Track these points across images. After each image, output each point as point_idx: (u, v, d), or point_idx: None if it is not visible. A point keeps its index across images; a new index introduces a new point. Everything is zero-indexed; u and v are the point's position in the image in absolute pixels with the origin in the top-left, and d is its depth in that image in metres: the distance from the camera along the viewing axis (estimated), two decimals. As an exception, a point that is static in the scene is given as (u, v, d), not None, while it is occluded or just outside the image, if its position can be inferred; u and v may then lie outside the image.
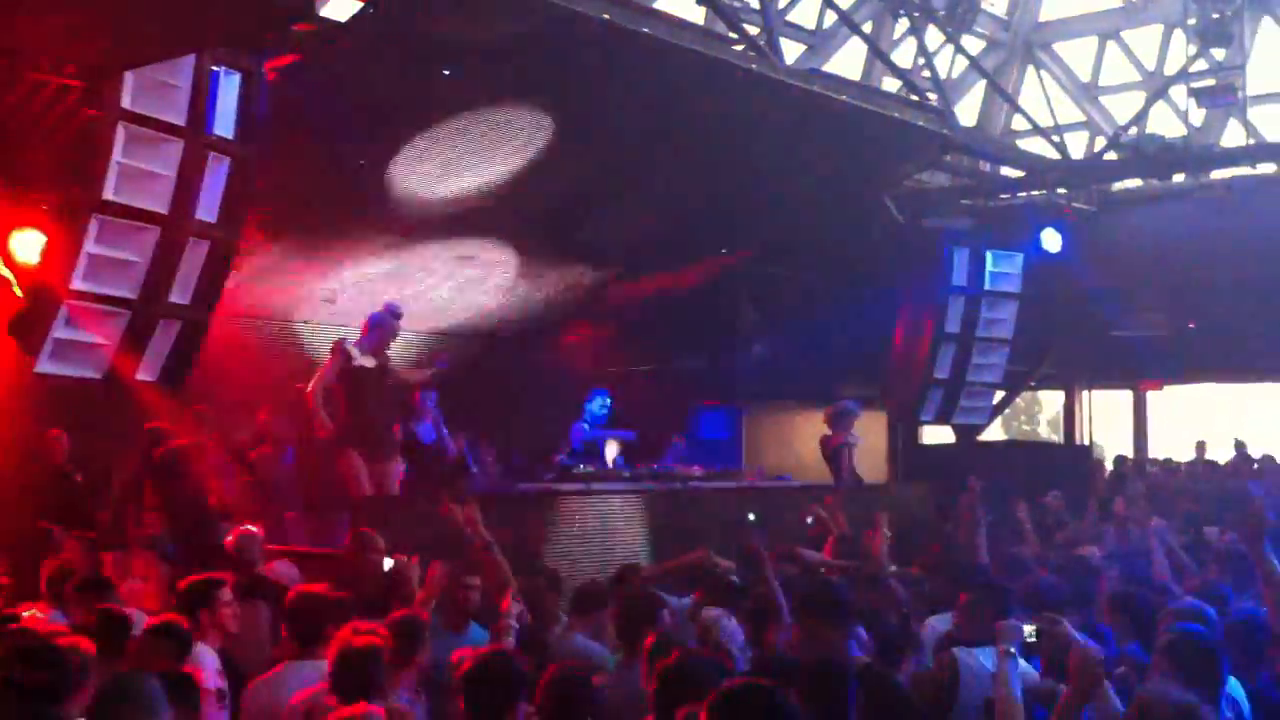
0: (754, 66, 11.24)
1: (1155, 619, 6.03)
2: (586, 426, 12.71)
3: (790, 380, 15.59)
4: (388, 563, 7.39)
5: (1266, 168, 16.13)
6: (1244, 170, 16.00)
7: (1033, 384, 21.24)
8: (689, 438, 14.19)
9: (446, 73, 9.98)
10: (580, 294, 14.74)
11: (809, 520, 10.52)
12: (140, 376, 9.09)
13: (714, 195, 13.09)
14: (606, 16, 9.58)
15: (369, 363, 10.32)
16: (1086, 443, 20.48)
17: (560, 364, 15.52)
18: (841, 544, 9.59)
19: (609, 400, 12.46)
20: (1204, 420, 25.79)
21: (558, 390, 14.24)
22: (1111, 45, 18.01)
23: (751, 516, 11.10)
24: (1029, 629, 5.14)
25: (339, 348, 10.30)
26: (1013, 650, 4.98)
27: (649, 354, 15.50)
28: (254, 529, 8.34)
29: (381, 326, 10.52)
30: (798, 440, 15.49)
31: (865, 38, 15.65)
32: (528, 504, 10.51)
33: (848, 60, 17.11)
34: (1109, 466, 18.25)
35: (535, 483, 11.66)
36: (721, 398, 15.11)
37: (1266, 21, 16.53)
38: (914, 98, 14.27)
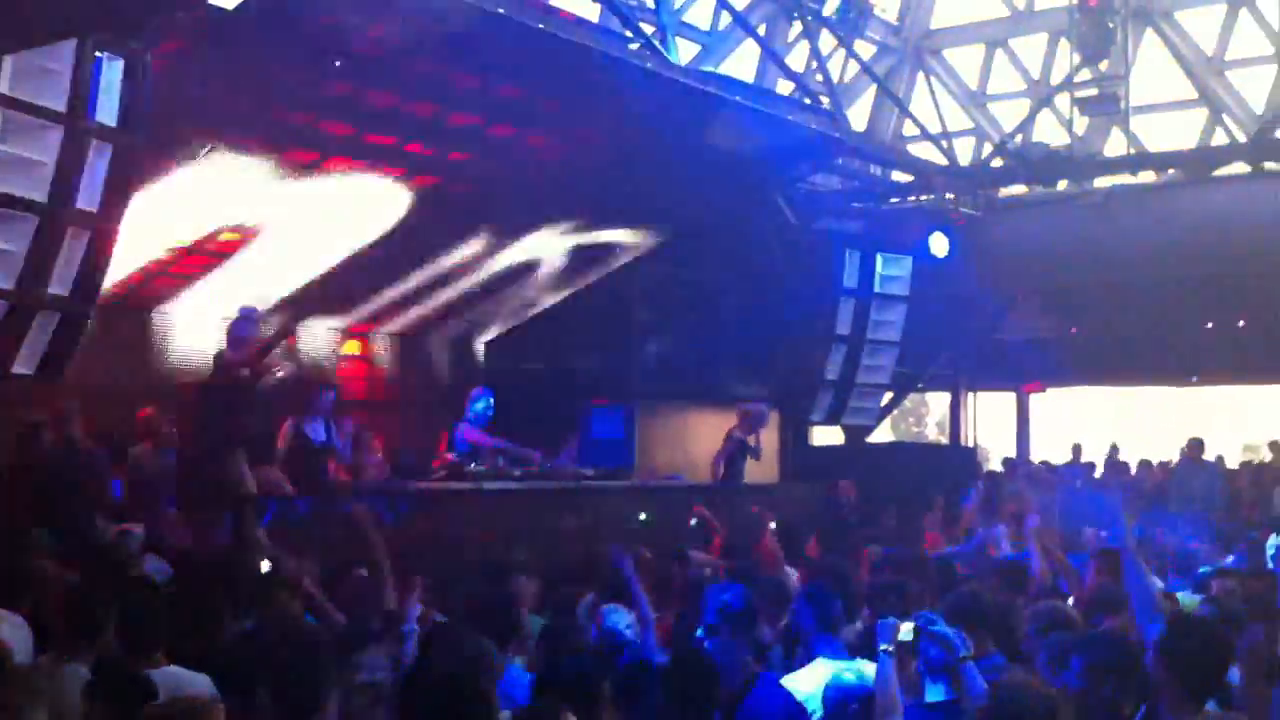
0: (648, 65, 11.24)
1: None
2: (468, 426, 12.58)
3: (683, 380, 15.63)
4: (265, 564, 7.22)
5: (1147, 176, 16.58)
6: (1126, 179, 16.42)
7: (921, 386, 21.55)
8: (581, 437, 14.14)
9: (338, 64, 9.82)
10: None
11: (693, 522, 10.57)
12: (17, 369, 8.78)
13: (605, 191, 13.07)
14: (501, 11, 9.51)
15: (243, 371, 10.25)
16: (972, 444, 20.84)
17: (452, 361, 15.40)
18: (728, 543, 9.65)
19: (493, 400, 12.34)
20: (1085, 423, 26.51)
21: (448, 388, 14.11)
22: (999, 53, 18.36)
23: (643, 516, 11.13)
24: (906, 627, 5.19)
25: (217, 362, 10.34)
26: (890, 648, 5.03)
27: (541, 353, 15.43)
28: (134, 527, 8.13)
29: (241, 336, 10.50)
30: (690, 440, 15.54)
31: (759, 39, 15.77)
32: (418, 502, 10.39)
33: (742, 62, 17.23)
34: (997, 468, 18.65)
35: (425, 481, 11.52)
36: (614, 397, 15.08)
37: (1149, 33, 16.95)
38: (806, 100, 14.41)
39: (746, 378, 15.92)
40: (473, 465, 11.74)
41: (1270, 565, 9.63)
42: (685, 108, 11.72)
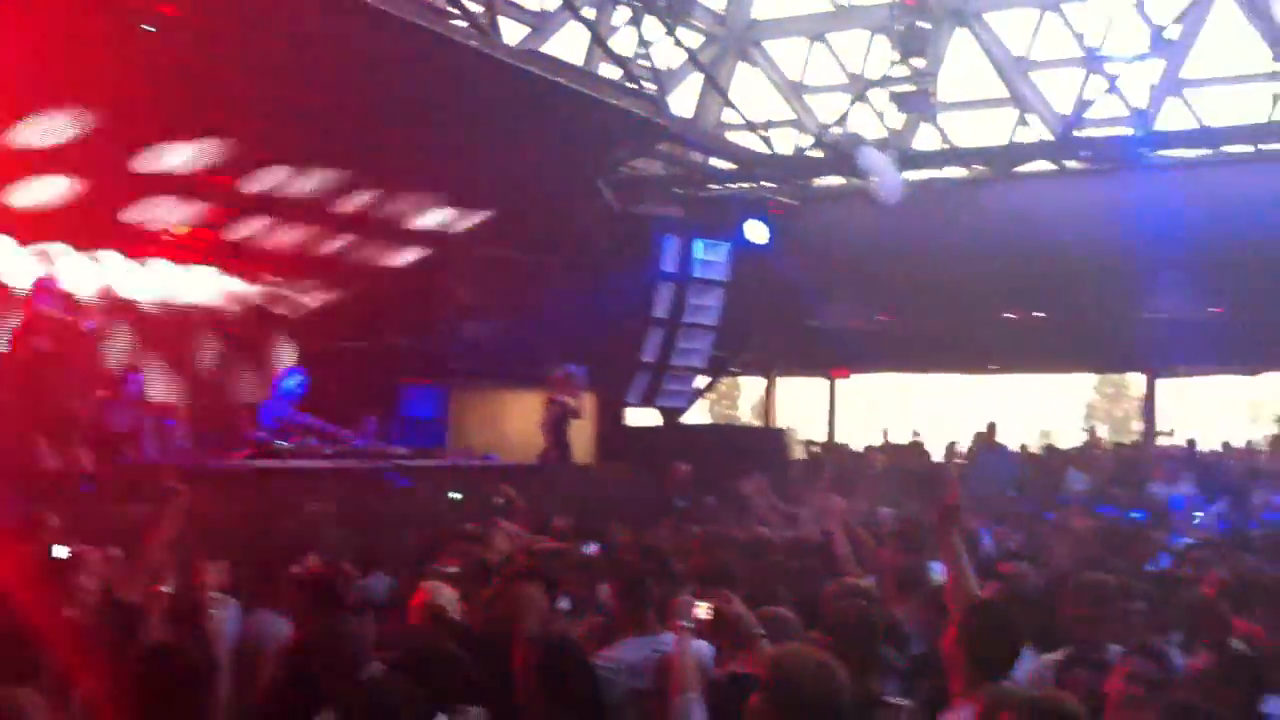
0: (474, 44, 11.14)
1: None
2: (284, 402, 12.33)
3: (500, 360, 15.55)
4: (60, 550, 6.89)
5: (957, 172, 17.16)
6: (934, 173, 16.96)
7: (735, 369, 21.90)
8: (394, 416, 13.96)
9: (150, 28, 9.47)
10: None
11: (499, 501, 10.52)
12: None
13: (429, 169, 12.91)
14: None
15: (44, 346, 9.87)
16: (783, 427, 21.26)
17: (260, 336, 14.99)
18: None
19: (304, 378, 12.09)
20: (890, 407, 27.35)
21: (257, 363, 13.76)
22: (819, 47, 18.69)
23: (455, 496, 11.05)
24: (703, 606, 5.27)
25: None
26: (689, 626, 5.11)
27: (355, 330, 15.13)
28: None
29: (39, 311, 10.09)
30: (506, 420, 15.49)
31: (586, 23, 15.74)
32: (221, 480, 10.13)
33: (569, 44, 17.17)
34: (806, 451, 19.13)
35: (229, 458, 11.24)
36: (428, 376, 14.91)
37: (962, 33, 17.44)
38: (631, 85, 14.47)
39: (564, 359, 15.92)
40: (281, 443, 11.51)
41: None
42: (510, 88, 11.65)
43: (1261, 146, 15.57)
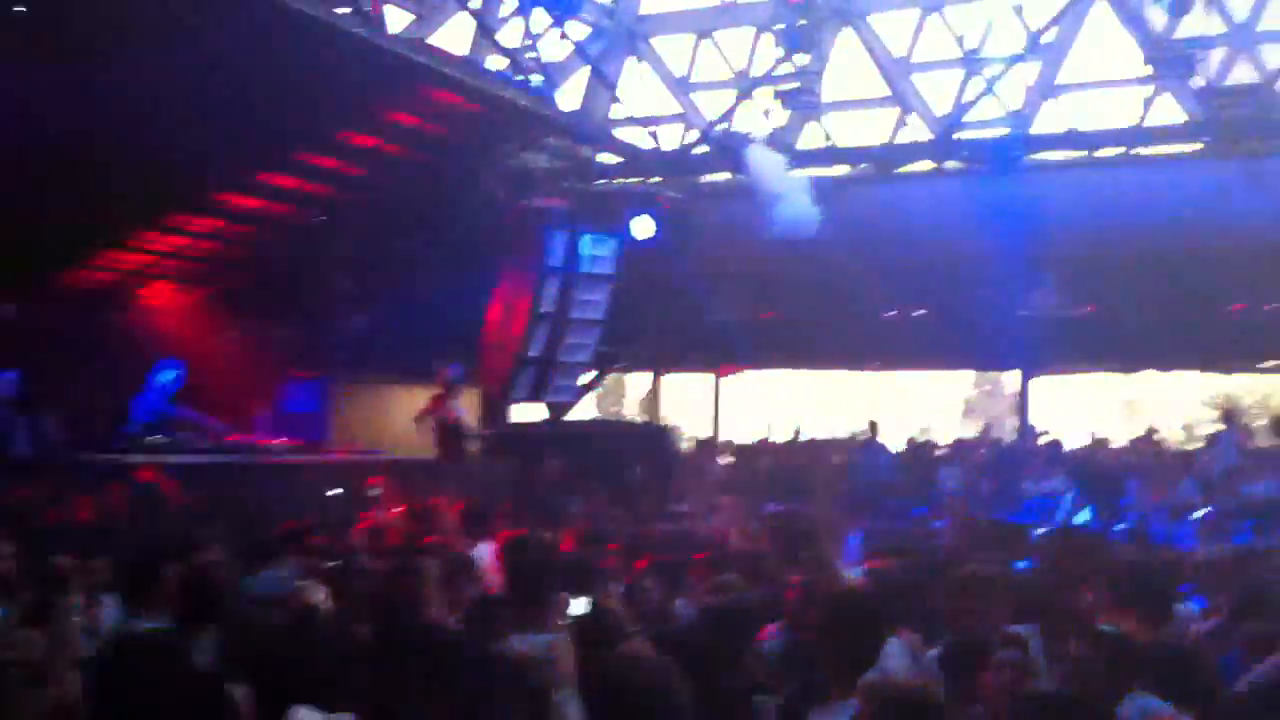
0: (358, 31, 10.98)
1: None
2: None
3: (384, 354, 15.36)
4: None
5: (842, 169, 17.35)
6: (821, 171, 17.12)
7: (622, 365, 21.92)
8: (275, 409, 13.73)
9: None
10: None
11: (372, 494, 10.44)
12: None
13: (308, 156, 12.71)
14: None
15: None
16: (669, 424, 21.35)
17: (137, 328, 14.62)
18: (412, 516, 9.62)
19: (181, 372, 11.83)
20: (776, 404, 27.62)
21: (133, 356, 13.39)
22: (706, 43, 18.76)
23: (337, 491, 10.92)
24: (580, 602, 5.27)
25: None
26: (566, 622, 5.10)
27: (236, 321, 14.86)
28: None
29: None
30: (391, 415, 15.30)
31: (472, 13, 15.60)
32: (93, 475, 9.86)
33: (454, 34, 17.02)
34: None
35: (104, 453, 10.95)
36: (310, 369, 14.68)
37: (848, 31, 17.63)
38: (518, 77, 14.38)
39: (450, 353, 15.79)
40: (157, 437, 11.24)
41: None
42: (395, 77, 11.51)
43: (1133, 150, 16.03)
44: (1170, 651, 5.21)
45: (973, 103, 16.72)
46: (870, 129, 18.09)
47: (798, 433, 20.05)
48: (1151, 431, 18.38)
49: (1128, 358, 18.44)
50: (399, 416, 14.78)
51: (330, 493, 10.17)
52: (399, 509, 9.81)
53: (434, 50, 13.71)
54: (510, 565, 6.39)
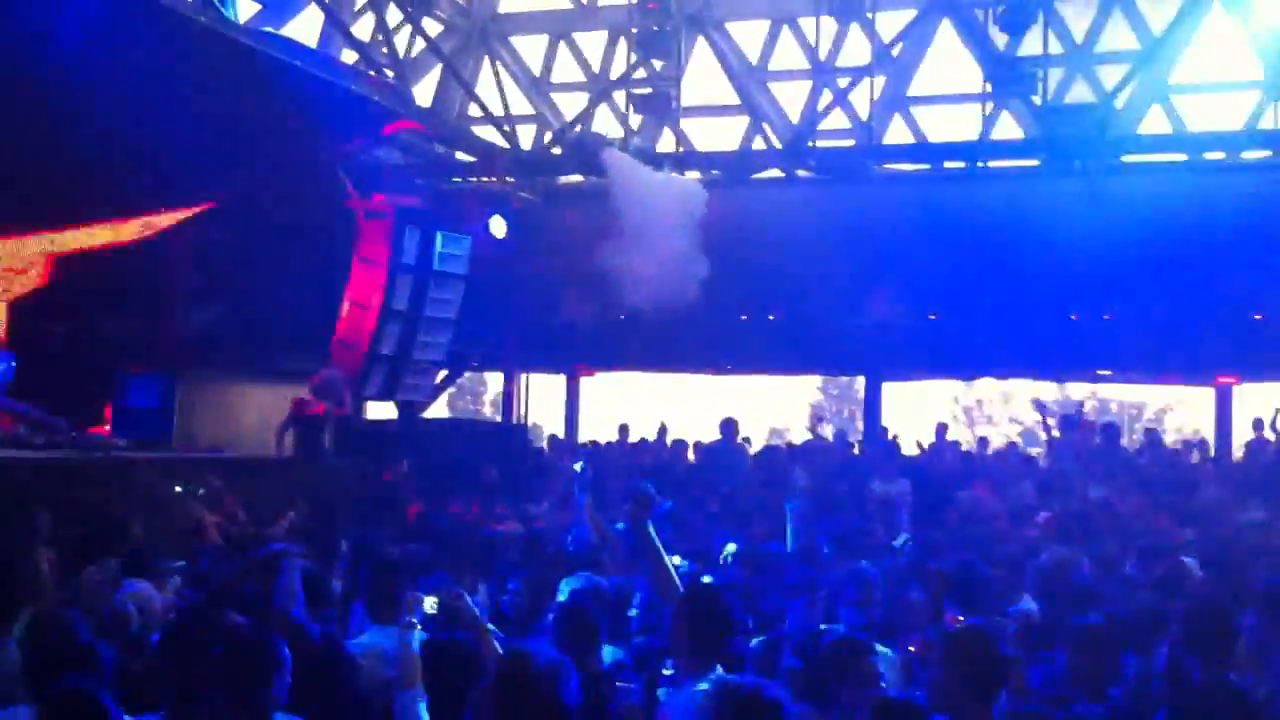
0: (204, 20, 10.77)
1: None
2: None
3: (230, 349, 15.04)
4: None
5: (693, 175, 17.52)
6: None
7: (476, 365, 21.84)
8: (114, 405, 13.33)
9: None
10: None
11: (200, 491, 10.25)
12: None
13: (154, 149, 12.36)
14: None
15: None
16: (525, 424, 21.31)
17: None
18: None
19: (10, 364, 11.44)
20: (632, 405, 27.74)
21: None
22: (563, 44, 18.82)
23: (178, 488, 10.68)
24: (430, 601, 5.28)
25: None
26: (414, 621, 5.11)
27: (70, 314, 14.36)
28: None
29: None
30: (239, 413, 14.96)
31: (323, 5, 15.42)
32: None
33: (304, 26, 16.79)
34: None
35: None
36: (152, 364, 14.28)
37: (700, 41, 17.84)
38: (371, 73, 14.26)
39: (300, 350, 15.54)
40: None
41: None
42: (242, 68, 11.31)
43: (978, 164, 16.57)
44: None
45: (824, 113, 17.09)
46: (728, 135, 18.37)
47: (657, 433, 20.15)
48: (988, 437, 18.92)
49: (969, 365, 18.97)
50: (249, 414, 14.49)
51: (173, 489, 9.94)
52: (232, 508, 9.67)
53: (282, 41, 13.50)
54: (359, 564, 6.40)
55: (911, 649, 6.08)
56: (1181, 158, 16.27)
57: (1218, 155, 16.18)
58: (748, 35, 17.93)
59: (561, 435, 21.08)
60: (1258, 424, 15.69)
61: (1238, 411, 17.26)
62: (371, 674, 5.37)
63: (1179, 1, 15.59)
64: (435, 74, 18.13)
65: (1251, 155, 16.06)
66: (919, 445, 17.73)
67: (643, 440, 19.14)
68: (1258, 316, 15.86)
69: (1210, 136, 16.28)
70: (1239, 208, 15.03)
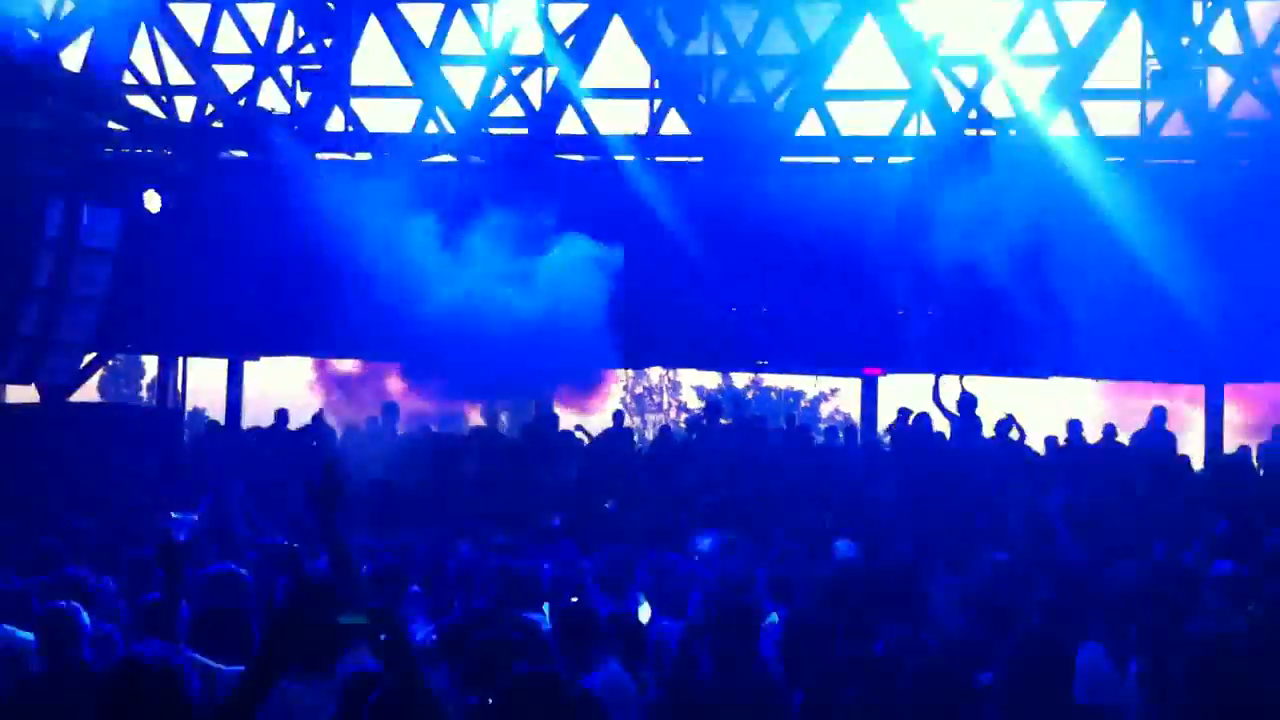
0: None
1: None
2: None
3: None
4: None
5: (363, 156, 17.16)
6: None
7: (129, 347, 20.77)
8: None
9: None
10: None
11: None
12: None
13: None
14: None
15: None
16: (183, 408, 20.39)
17: None
18: None
19: None
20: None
21: None
22: (226, 16, 17.97)
23: None
24: None
25: None
26: None
27: None
28: None
29: None
30: None
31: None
32: None
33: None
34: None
35: None
36: None
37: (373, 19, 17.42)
38: (12, 31, 13.33)
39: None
40: None
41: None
42: None
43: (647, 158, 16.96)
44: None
45: (496, 100, 17.04)
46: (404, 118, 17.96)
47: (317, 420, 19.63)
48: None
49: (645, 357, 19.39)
50: None
51: None
52: None
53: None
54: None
55: None
56: (835, 160, 17.12)
57: (867, 159, 17.09)
58: (421, 18, 17.62)
59: (222, 422, 20.29)
60: (903, 412, 16.85)
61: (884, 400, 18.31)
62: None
63: (835, 11, 16.41)
64: (86, 38, 16.98)
65: (898, 160, 17.02)
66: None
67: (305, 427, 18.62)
68: (900, 313, 16.90)
69: (862, 141, 17.18)
70: (886, 211, 15.97)
